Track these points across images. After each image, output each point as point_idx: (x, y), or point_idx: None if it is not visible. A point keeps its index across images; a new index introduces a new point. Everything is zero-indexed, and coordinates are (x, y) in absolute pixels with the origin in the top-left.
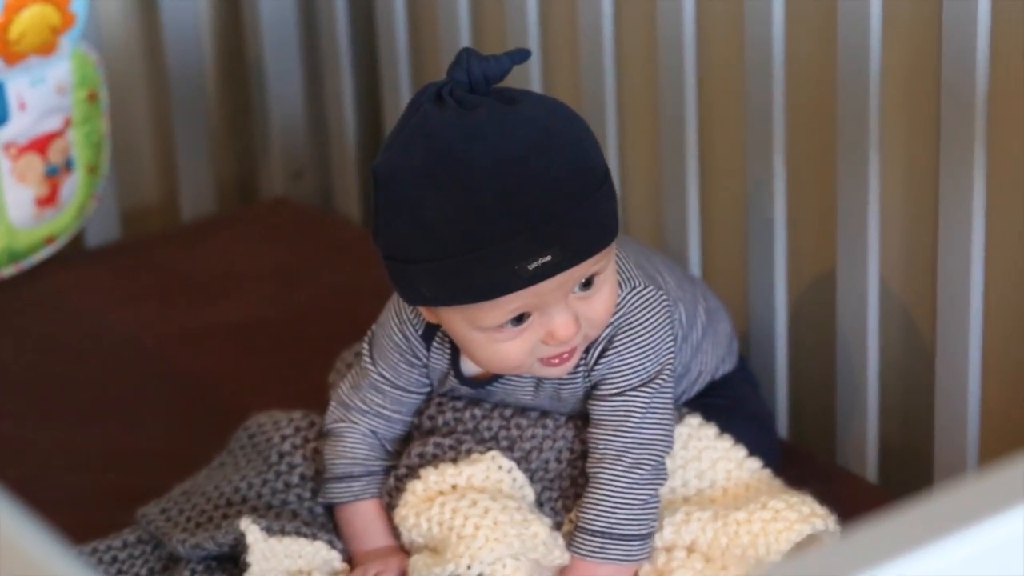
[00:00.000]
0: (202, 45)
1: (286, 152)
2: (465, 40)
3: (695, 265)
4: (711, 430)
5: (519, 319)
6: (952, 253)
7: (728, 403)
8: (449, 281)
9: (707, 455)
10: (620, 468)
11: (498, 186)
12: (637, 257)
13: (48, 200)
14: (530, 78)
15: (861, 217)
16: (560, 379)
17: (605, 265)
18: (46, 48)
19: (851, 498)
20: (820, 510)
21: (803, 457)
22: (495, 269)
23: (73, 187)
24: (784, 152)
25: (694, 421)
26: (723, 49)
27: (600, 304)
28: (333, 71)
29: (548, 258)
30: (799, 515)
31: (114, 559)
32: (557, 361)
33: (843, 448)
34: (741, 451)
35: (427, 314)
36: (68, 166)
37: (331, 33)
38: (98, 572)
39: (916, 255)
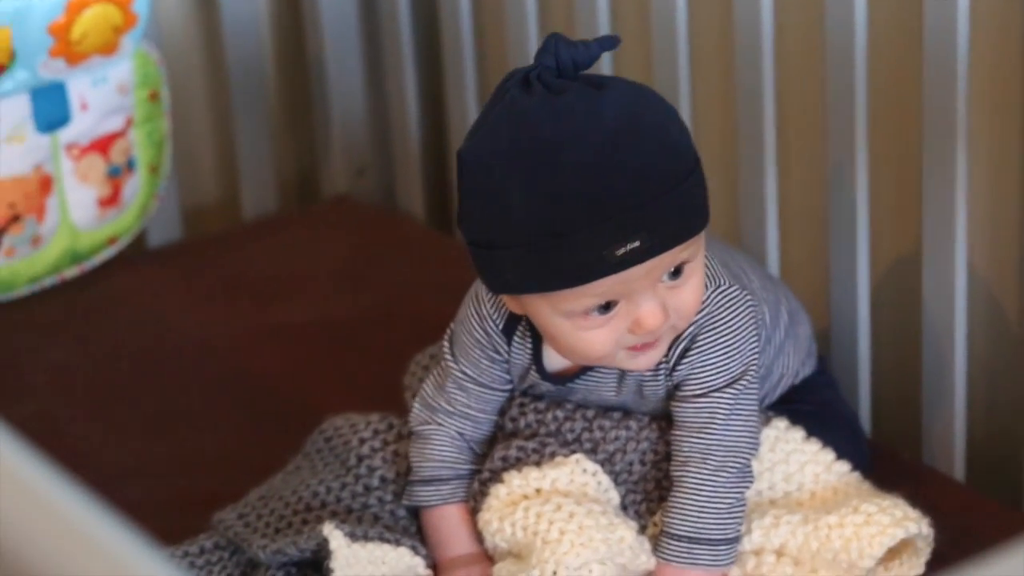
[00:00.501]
0: (262, 42)
1: (348, 149)
2: (532, 33)
3: (773, 258)
4: (798, 433)
5: (606, 307)
6: None
7: (813, 408)
8: (535, 267)
9: (795, 458)
10: (706, 471)
11: (586, 170)
12: (723, 256)
13: (110, 200)
14: (599, 70)
15: (948, 205)
16: (643, 376)
17: (694, 254)
18: (108, 48)
19: (938, 498)
20: (913, 513)
21: (887, 456)
22: (582, 254)
23: (135, 187)
24: (866, 139)
25: (781, 424)
26: (801, 34)
27: (689, 294)
28: (395, 66)
29: (636, 244)
30: (892, 519)
31: (191, 565)
32: (642, 348)
33: (929, 446)
34: (829, 455)
35: (510, 303)
36: (130, 166)
37: (393, 27)
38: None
39: (1004, 244)
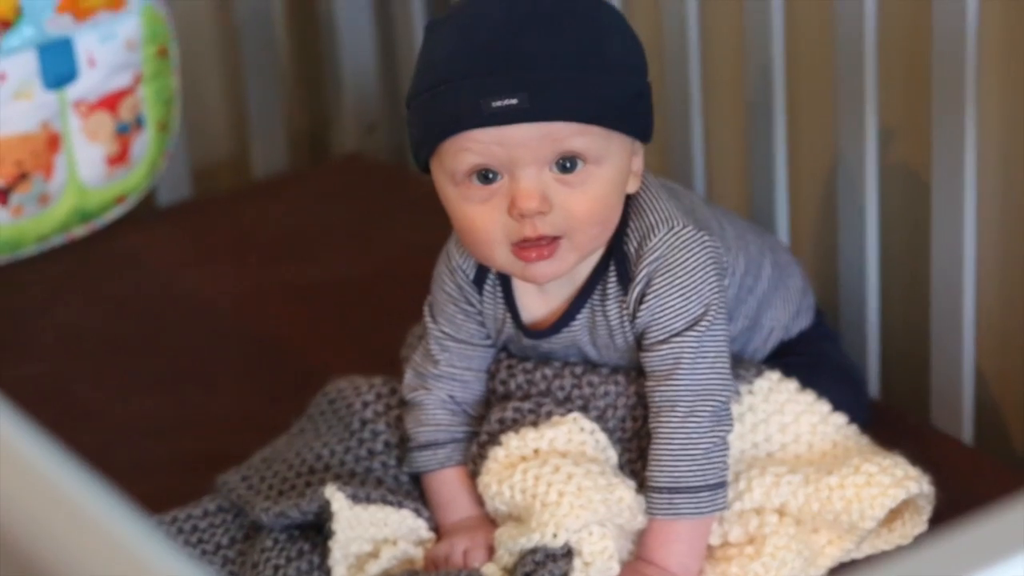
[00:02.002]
0: None
1: (358, 107)
2: None
3: (783, 222)
4: (792, 384)
5: (487, 177)
6: None
7: (808, 360)
8: (423, 118)
9: (790, 408)
10: (676, 419)
11: (495, 29)
12: (690, 205)
13: (119, 158)
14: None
15: (957, 169)
16: (610, 326)
17: (598, 157)
18: (116, 3)
19: (945, 460)
20: (913, 472)
21: (895, 417)
22: (462, 101)
23: (144, 145)
24: (876, 104)
25: (774, 375)
26: (813, 3)
27: (581, 199)
28: (405, 22)
29: (514, 101)
30: (893, 479)
31: (195, 528)
32: (534, 255)
33: (937, 408)
34: (825, 406)
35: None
36: (139, 123)
37: None
38: (179, 541)
39: (1013, 207)
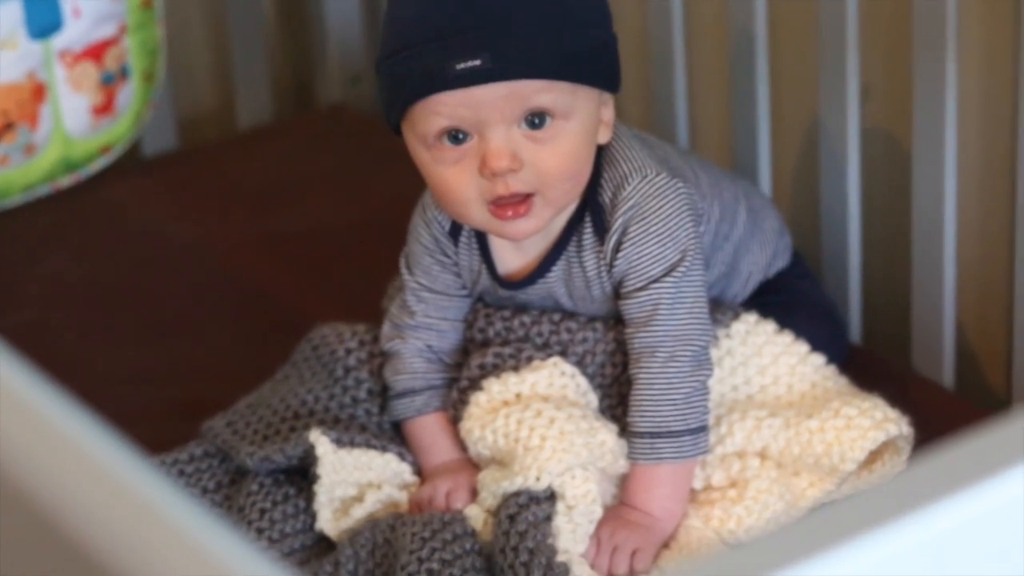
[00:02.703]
0: None
1: (343, 58)
2: None
3: (765, 171)
4: (770, 326)
5: (457, 138)
6: None
7: (785, 298)
8: (394, 79)
9: (768, 350)
10: (656, 364)
11: None
12: (663, 153)
13: (104, 109)
14: None
15: (938, 120)
16: (587, 276)
17: (566, 112)
18: None
19: (926, 404)
20: (892, 414)
21: (876, 362)
22: (427, 65)
23: (129, 95)
24: (857, 52)
25: (751, 318)
26: None
27: (551, 155)
28: None
29: (477, 62)
30: (872, 421)
31: (181, 472)
32: (510, 214)
33: (918, 354)
34: (803, 346)
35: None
36: (124, 74)
37: None
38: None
39: (993, 156)
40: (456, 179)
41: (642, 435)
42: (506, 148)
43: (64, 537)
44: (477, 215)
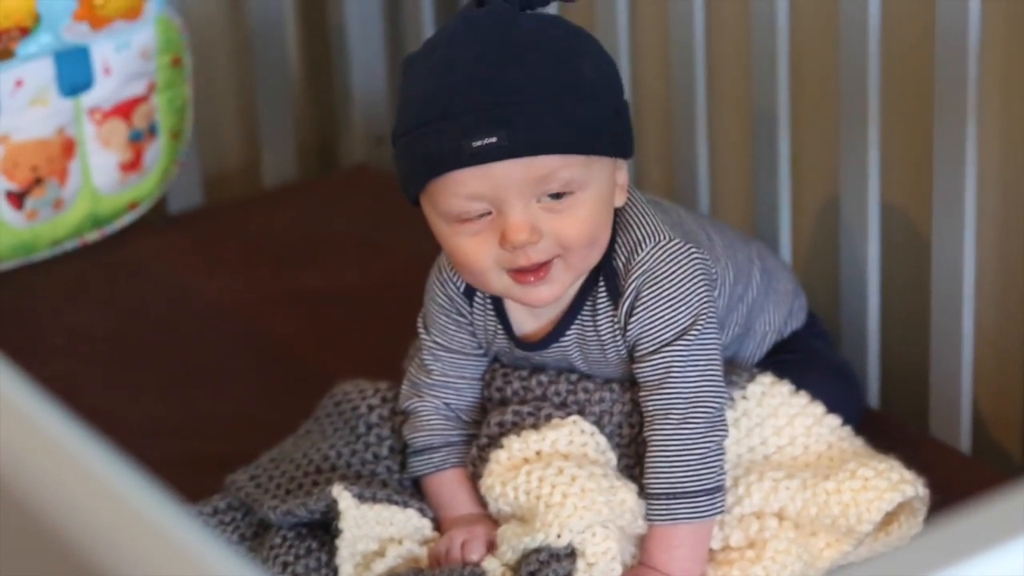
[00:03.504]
0: (284, 10)
1: (368, 118)
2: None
3: (785, 236)
4: (785, 387)
5: (476, 212)
6: None
7: (800, 357)
8: (409, 157)
9: (783, 411)
10: (669, 426)
11: (469, 66)
12: (677, 217)
13: (132, 165)
14: (618, 56)
15: (957, 191)
16: (601, 339)
17: (582, 184)
18: (131, 13)
19: (943, 468)
20: (908, 475)
21: (894, 427)
22: (443, 143)
23: (156, 152)
24: (879, 121)
25: (767, 379)
26: (817, 20)
27: (570, 224)
28: (415, 35)
29: (493, 140)
30: (889, 483)
31: (205, 525)
32: (533, 279)
33: (935, 420)
34: (819, 407)
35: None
36: (152, 131)
37: None
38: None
39: (1012, 223)
40: (476, 250)
41: (658, 496)
42: (525, 222)
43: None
44: (497, 283)
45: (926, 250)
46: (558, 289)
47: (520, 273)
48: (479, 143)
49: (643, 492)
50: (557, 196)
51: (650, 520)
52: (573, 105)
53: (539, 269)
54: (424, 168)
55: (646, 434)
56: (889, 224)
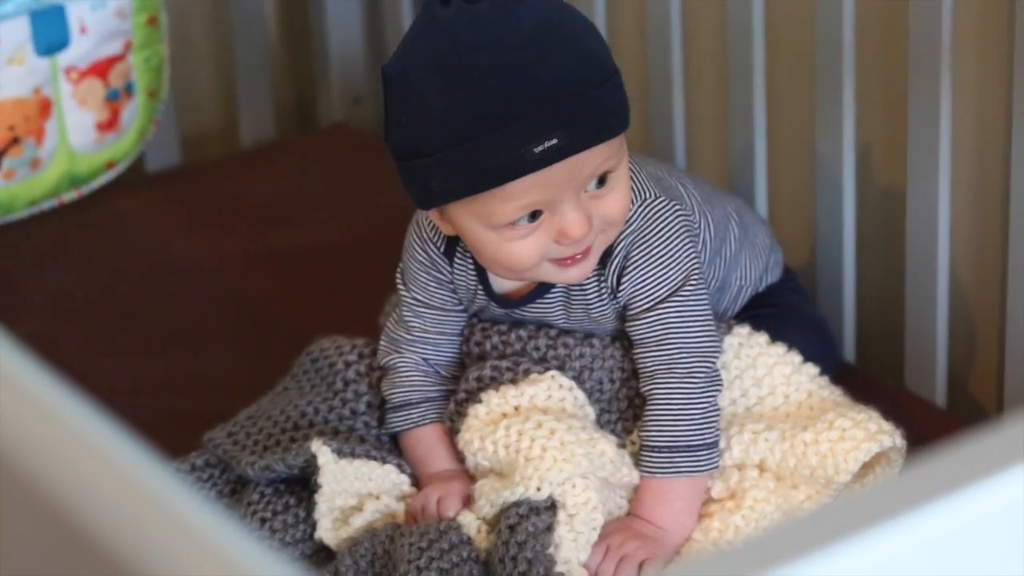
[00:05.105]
0: None
1: (345, 78)
2: None
3: (761, 192)
4: (762, 337)
5: (531, 217)
6: None
7: (776, 311)
8: (457, 171)
9: (762, 361)
10: (674, 380)
11: (504, 71)
12: (656, 172)
13: (109, 125)
14: (595, 9)
15: (932, 140)
16: (588, 299)
17: (617, 163)
18: None
19: (918, 421)
20: (886, 426)
21: (869, 380)
22: (502, 153)
23: (133, 112)
24: (853, 75)
25: (743, 331)
26: None
27: (614, 202)
28: None
29: (554, 141)
30: (866, 433)
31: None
32: (570, 262)
33: (911, 374)
34: (796, 356)
35: (442, 225)
36: (128, 90)
37: None
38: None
39: (986, 177)
40: (528, 253)
41: (659, 449)
42: (582, 217)
43: (85, 541)
44: (537, 272)
45: (901, 205)
46: (589, 267)
47: (565, 259)
48: (540, 147)
49: (629, 445)
50: (602, 182)
51: (649, 473)
52: (604, 87)
53: (583, 252)
54: (476, 182)
55: (646, 388)
56: (864, 179)
